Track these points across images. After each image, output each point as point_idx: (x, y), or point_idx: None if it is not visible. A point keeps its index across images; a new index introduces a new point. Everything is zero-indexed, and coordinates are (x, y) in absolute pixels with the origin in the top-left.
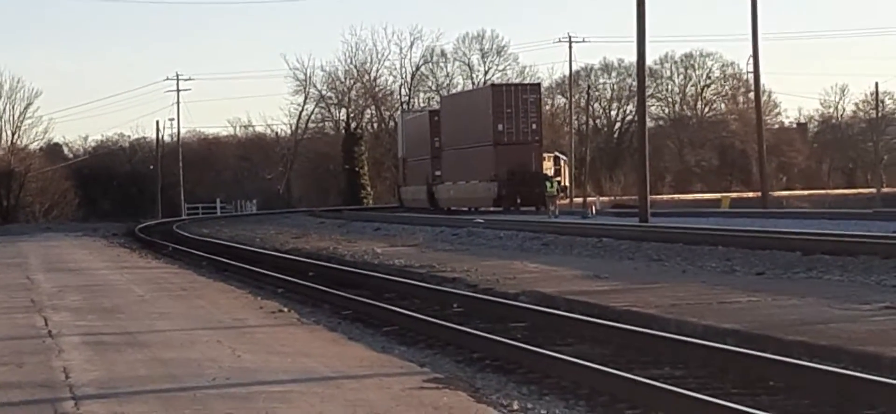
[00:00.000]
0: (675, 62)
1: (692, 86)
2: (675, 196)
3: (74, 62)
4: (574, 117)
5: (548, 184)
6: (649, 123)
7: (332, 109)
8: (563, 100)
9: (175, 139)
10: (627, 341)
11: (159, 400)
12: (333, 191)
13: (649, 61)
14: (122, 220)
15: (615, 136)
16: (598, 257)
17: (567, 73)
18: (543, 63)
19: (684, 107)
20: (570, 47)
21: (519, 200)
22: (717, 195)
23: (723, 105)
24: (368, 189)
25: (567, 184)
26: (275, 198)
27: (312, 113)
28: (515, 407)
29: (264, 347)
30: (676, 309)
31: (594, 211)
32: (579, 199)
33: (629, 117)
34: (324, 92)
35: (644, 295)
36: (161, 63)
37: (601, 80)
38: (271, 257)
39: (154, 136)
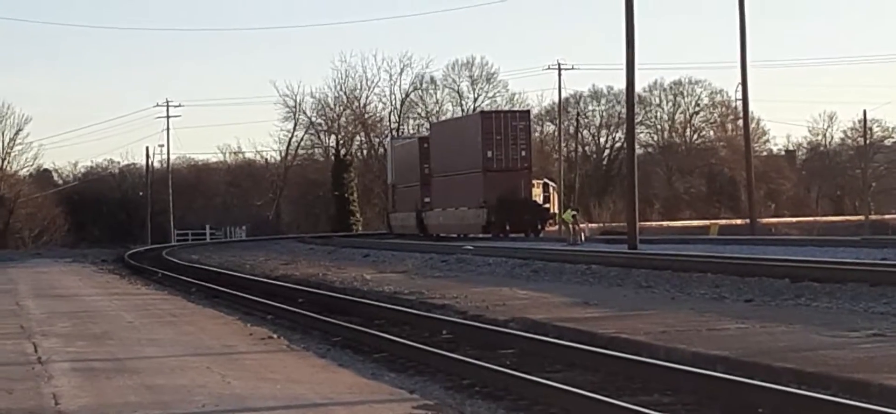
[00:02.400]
0: (665, 89)
1: (681, 113)
2: (664, 223)
3: (64, 88)
4: (563, 144)
5: (568, 212)
6: (638, 150)
7: (322, 136)
8: (553, 127)
9: (165, 165)
10: (617, 368)
11: None
12: (323, 217)
13: (638, 88)
14: (111, 246)
15: (604, 163)
16: (588, 284)
17: (556, 99)
18: (533, 90)
19: (673, 134)
20: (560, 74)
21: (508, 227)
22: (706, 222)
23: (711, 132)
24: (358, 215)
25: (556, 211)
26: (264, 224)
27: (302, 139)
28: None
29: (254, 374)
30: (666, 336)
31: (583, 238)
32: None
33: (618, 144)
34: (313, 118)
35: (633, 322)
36: (151, 89)
37: (590, 108)
38: (261, 284)
39: (144, 162)
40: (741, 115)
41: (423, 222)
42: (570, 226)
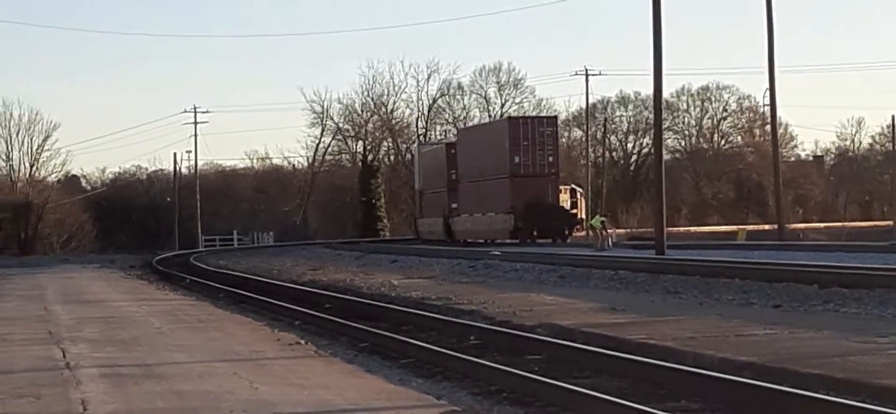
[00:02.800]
0: (692, 95)
1: (709, 118)
2: (692, 228)
3: (93, 95)
4: (591, 150)
5: (596, 217)
6: (666, 156)
7: (349, 142)
8: (580, 132)
9: (192, 171)
10: (644, 374)
11: None
12: (350, 223)
13: (666, 94)
14: (139, 252)
15: (631, 168)
16: (615, 290)
17: (584, 105)
18: (560, 96)
19: (701, 139)
20: (587, 80)
21: (535, 233)
22: (734, 228)
23: (739, 138)
24: (385, 221)
25: (583, 216)
26: (292, 230)
27: (329, 145)
28: None
29: (282, 380)
30: (693, 342)
31: (610, 243)
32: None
33: (646, 150)
34: (341, 124)
35: (661, 327)
36: (179, 96)
37: (618, 113)
38: (288, 289)
39: (171, 168)
40: (769, 120)
41: (451, 228)
42: (599, 231)
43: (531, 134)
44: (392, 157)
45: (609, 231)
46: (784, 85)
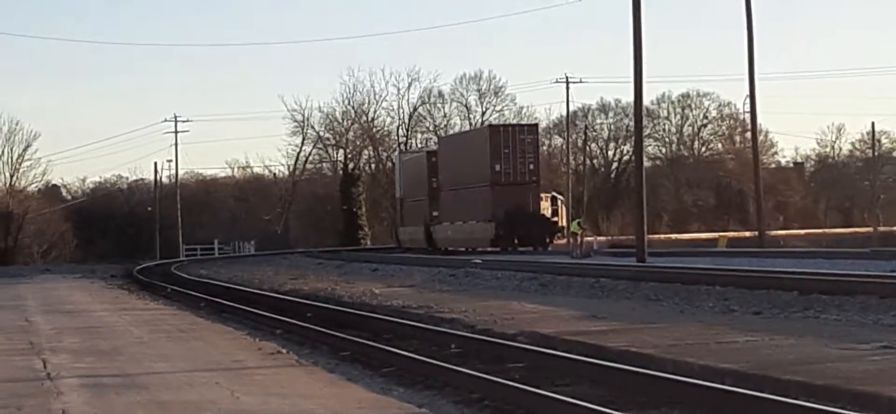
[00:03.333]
0: (673, 102)
1: (689, 125)
2: (673, 235)
3: (73, 104)
4: (571, 157)
5: (574, 223)
6: (646, 163)
7: (330, 150)
8: (561, 140)
9: (173, 180)
10: (625, 382)
11: None
12: (331, 231)
13: (646, 101)
14: (120, 261)
15: (612, 176)
16: (596, 298)
17: (564, 113)
18: (541, 103)
19: (681, 146)
20: (568, 88)
21: (516, 241)
22: (715, 235)
23: (720, 145)
24: (366, 230)
25: (564, 224)
26: (273, 239)
27: (310, 154)
28: None
29: (263, 389)
30: (674, 349)
31: (594, 248)
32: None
33: (626, 157)
34: (321, 133)
35: (642, 335)
36: (159, 105)
37: (598, 121)
38: (269, 298)
39: (152, 177)
40: (749, 127)
41: (432, 236)
42: (578, 237)
43: (512, 142)
44: (373, 166)
45: (583, 239)
46: (764, 92)
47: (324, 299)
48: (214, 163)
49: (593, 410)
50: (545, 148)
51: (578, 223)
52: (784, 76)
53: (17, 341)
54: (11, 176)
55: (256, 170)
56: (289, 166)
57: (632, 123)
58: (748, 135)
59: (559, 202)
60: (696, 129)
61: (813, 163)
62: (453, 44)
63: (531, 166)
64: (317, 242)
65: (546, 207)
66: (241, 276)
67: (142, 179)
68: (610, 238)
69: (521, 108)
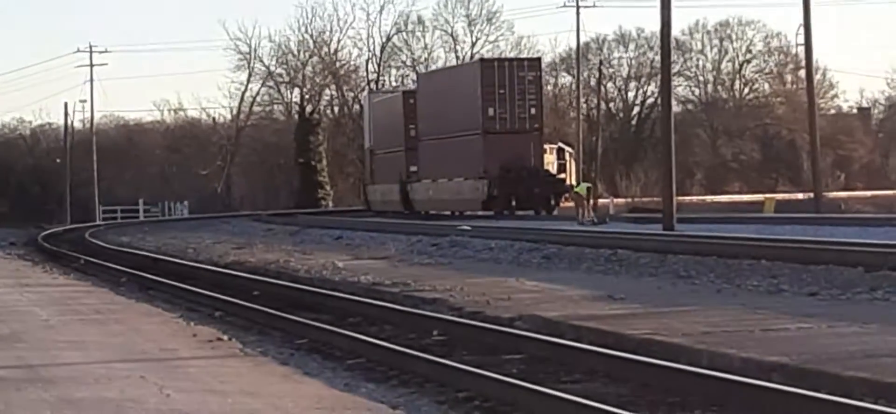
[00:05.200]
0: (708, 32)
1: (728, 61)
2: (708, 198)
3: None
4: (582, 100)
5: (581, 184)
6: (675, 108)
7: (283, 90)
8: (569, 78)
9: (87, 126)
10: (649, 378)
11: None
12: (284, 190)
13: (676, 31)
14: (21, 225)
15: (633, 123)
16: (613, 274)
17: (574, 45)
18: (545, 33)
19: (719, 87)
20: (578, 13)
21: (514, 203)
22: (760, 197)
23: (766, 85)
24: (328, 188)
25: (573, 182)
26: (212, 198)
27: (258, 94)
28: None
29: (199, 385)
30: (710, 338)
31: (610, 212)
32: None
33: (651, 100)
34: (272, 68)
35: (669, 320)
36: (70, 33)
37: (616, 55)
38: (207, 273)
39: (61, 121)
40: (803, 63)
41: (409, 197)
42: (584, 202)
43: (509, 80)
44: (336, 109)
45: (594, 203)
46: (821, 19)
47: (274, 274)
48: (139, 104)
49: (610, 413)
50: (550, 88)
51: (586, 186)
52: (846, 0)
53: None
54: None
55: (191, 113)
56: (232, 109)
57: (657, 58)
58: (802, 73)
59: (567, 155)
60: (736, 66)
61: (882, 108)
62: None
63: (532, 111)
64: (266, 204)
65: (551, 162)
66: (173, 244)
67: (49, 124)
68: (630, 200)
69: (521, 38)
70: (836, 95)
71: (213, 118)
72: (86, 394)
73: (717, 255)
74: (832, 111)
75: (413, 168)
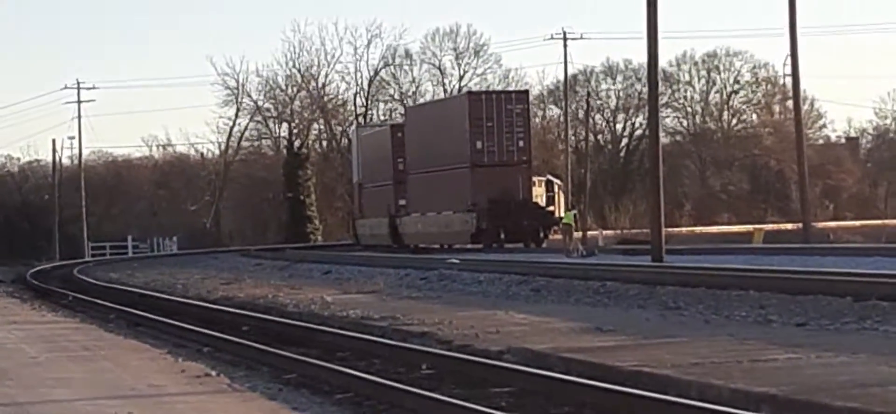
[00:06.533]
0: (696, 63)
1: (716, 92)
2: (697, 229)
3: None
4: (571, 132)
5: (568, 213)
6: (664, 139)
7: (271, 124)
8: (557, 110)
9: (76, 162)
10: (638, 410)
11: None
12: (273, 225)
13: (663, 62)
14: (9, 262)
15: (621, 154)
16: (601, 306)
17: (561, 77)
18: (532, 65)
19: (707, 118)
20: (565, 45)
21: (503, 235)
22: (749, 227)
23: (755, 116)
24: (316, 222)
25: (562, 214)
26: (201, 234)
27: (246, 129)
28: None
29: None
30: (699, 369)
31: (599, 244)
32: (580, 234)
33: (639, 131)
34: (260, 103)
35: (658, 352)
36: (58, 70)
37: (604, 87)
38: (195, 308)
39: (49, 158)
40: (791, 93)
41: (398, 230)
42: (572, 230)
43: (497, 113)
44: (324, 143)
45: (583, 234)
46: (809, 50)
47: (263, 309)
48: (127, 140)
49: None
50: (538, 120)
51: (573, 214)
52: (833, 29)
53: None
54: None
55: (180, 149)
56: (220, 144)
57: (645, 89)
58: (789, 103)
59: (556, 187)
60: (724, 97)
61: (870, 138)
62: None
63: (520, 143)
64: (255, 238)
65: (540, 194)
66: (161, 280)
67: (37, 161)
68: (619, 232)
69: (509, 71)
70: (824, 125)
71: (202, 153)
72: None
73: (705, 286)
74: (820, 141)
75: (402, 202)
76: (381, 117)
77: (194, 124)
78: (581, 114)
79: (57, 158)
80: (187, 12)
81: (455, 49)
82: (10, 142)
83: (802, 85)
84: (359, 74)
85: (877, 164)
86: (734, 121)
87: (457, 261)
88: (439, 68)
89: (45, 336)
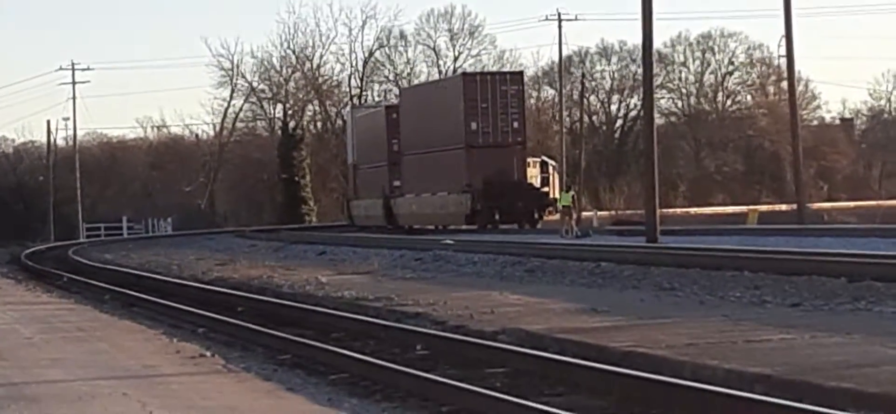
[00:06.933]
0: (690, 44)
1: (711, 73)
2: (691, 210)
3: None
4: (565, 113)
5: (565, 193)
6: (658, 120)
7: (266, 105)
8: (552, 91)
9: (70, 143)
10: (632, 390)
11: None
12: (268, 206)
13: (658, 43)
14: (4, 243)
15: (616, 135)
16: (596, 286)
17: (556, 58)
18: (527, 46)
19: (701, 99)
20: (560, 26)
21: (497, 216)
22: (743, 208)
23: (749, 97)
24: (311, 203)
25: (556, 195)
26: (195, 215)
27: (241, 110)
28: None
29: (182, 401)
30: (693, 349)
31: (593, 225)
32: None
33: (634, 112)
34: (255, 84)
35: (652, 333)
36: (53, 50)
37: (598, 68)
38: (190, 289)
39: (44, 139)
40: (785, 75)
41: (392, 211)
42: (570, 211)
43: (491, 94)
44: (319, 124)
45: (579, 214)
46: (804, 31)
47: (258, 290)
48: (122, 122)
49: None
50: (533, 101)
51: (571, 195)
52: (828, 10)
53: None
54: None
55: (174, 130)
56: (215, 126)
57: (640, 71)
58: (784, 85)
59: (550, 168)
60: (719, 78)
61: (864, 119)
62: None
63: (515, 124)
64: (250, 220)
65: (534, 175)
66: (156, 261)
67: (31, 142)
68: (613, 213)
69: (503, 52)
70: (818, 107)
71: (197, 135)
72: (68, 412)
73: (700, 266)
74: (815, 122)
75: (396, 183)
76: (376, 98)
77: (189, 105)
78: (576, 95)
79: (52, 139)
80: None
81: (450, 30)
82: (5, 123)
83: (797, 66)
84: (353, 55)
85: (871, 146)
86: (729, 102)
87: (451, 242)
88: (434, 50)
89: (40, 317)
